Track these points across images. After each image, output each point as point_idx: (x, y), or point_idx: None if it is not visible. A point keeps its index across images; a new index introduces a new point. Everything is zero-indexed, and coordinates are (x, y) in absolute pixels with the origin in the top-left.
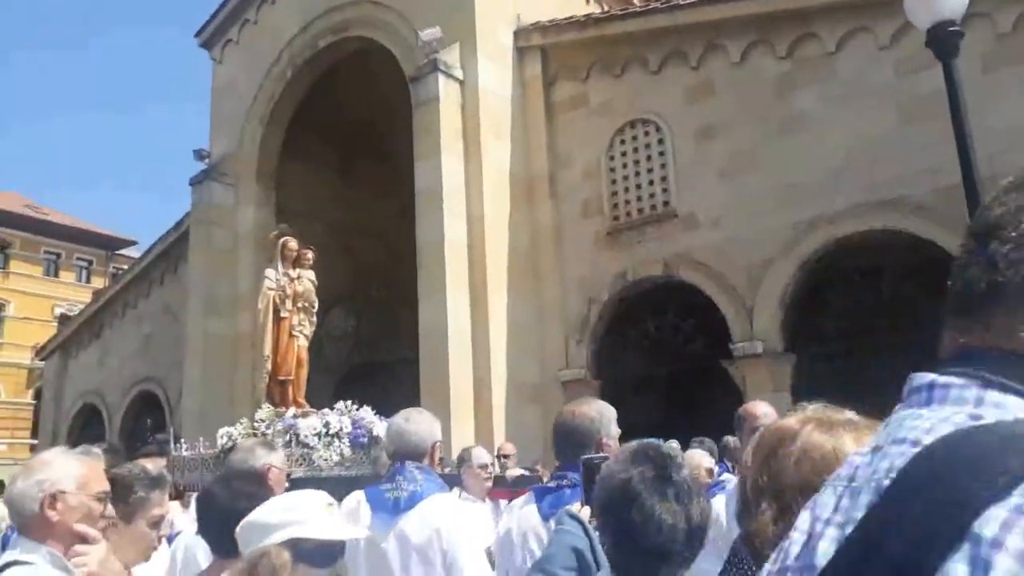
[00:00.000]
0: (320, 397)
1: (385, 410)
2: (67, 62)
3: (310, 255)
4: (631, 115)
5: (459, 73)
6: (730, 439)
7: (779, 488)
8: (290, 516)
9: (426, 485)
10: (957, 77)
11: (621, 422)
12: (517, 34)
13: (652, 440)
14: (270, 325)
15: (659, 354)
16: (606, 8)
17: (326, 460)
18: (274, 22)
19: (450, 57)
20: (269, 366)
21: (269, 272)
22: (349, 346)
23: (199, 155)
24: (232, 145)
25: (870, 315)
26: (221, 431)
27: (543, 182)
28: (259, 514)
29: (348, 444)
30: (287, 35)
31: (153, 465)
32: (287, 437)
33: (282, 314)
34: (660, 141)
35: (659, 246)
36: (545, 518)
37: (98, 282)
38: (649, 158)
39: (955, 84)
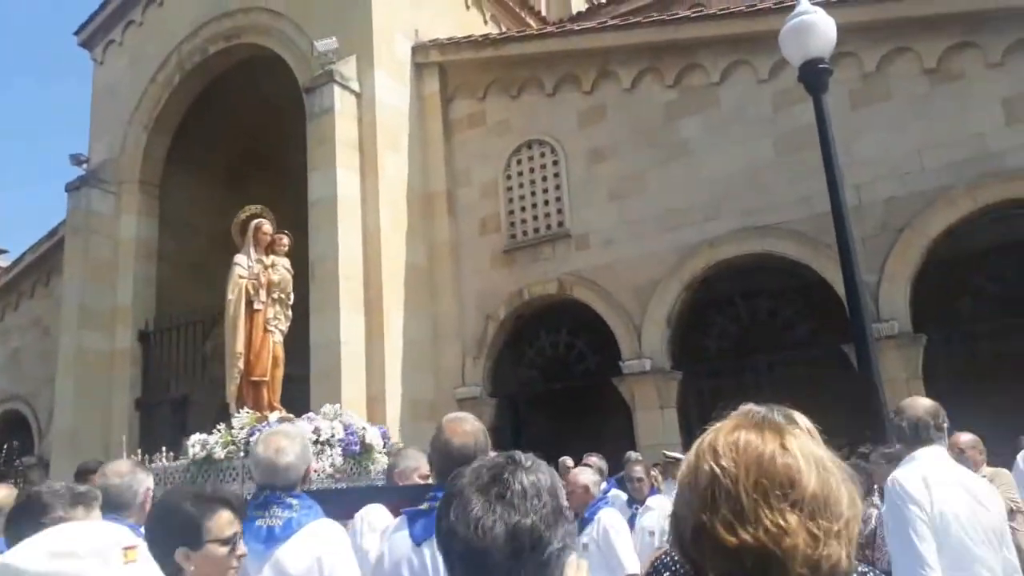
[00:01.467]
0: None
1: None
2: None
3: (285, 240)
4: (527, 135)
5: (355, 85)
6: (632, 454)
7: (796, 499)
8: (60, 567)
9: (302, 512)
10: (826, 111)
11: (517, 437)
12: (415, 50)
13: (513, 452)
14: (242, 318)
15: (553, 371)
16: (504, 29)
17: (317, 472)
18: (162, 25)
19: (346, 69)
20: (241, 365)
21: (239, 258)
22: None
23: (76, 160)
24: (114, 151)
25: (750, 334)
26: (194, 439)
27: (441, 198)
28: (17, 556)
29: (340, 453)
30: (175, 39)
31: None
32: None
33: (255, 306)
34: (555, 162)
35: (554, 265)
36: (418, 543)
37: None
38: (544, 178)
39: (824, 117)
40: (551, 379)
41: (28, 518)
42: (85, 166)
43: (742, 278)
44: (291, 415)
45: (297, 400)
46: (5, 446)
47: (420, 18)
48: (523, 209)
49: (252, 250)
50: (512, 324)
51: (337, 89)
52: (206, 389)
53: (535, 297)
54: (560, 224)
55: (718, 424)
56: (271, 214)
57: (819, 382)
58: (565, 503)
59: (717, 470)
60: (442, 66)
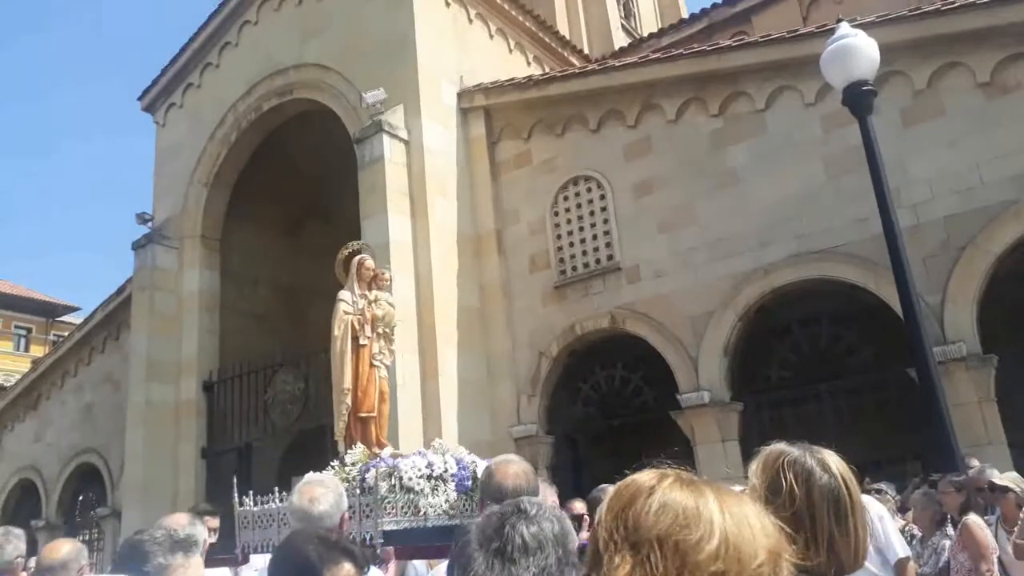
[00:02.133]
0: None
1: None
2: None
3: (388, 275)
4: (573, 172)
5: (404, 133)
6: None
7: (636, 541)
8: None
9: None
10: (872, 132)
11: (576, 476)
12: (460, 95)
13: (521, 500)
14: (349, 354)
15: (610, 406)
16: (547, 69)
17: (433, 507)
18: (218, 85)
19: (394, 118)
20: (349, 401)
21: (344, 294)
22: (298, 410)
23: (141, 219)
24: (176, 208)
25: (810, 362)
26: (307, 476)
27: (491, 238)
28: None
29: (454, 488)
30: (231, 98)
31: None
32: (391, 481)
33: (361, 341)
34: (602, 197)
35: (605, 299)
36: None
37: (37, 351)
38: (592, 213)
39: (871, 139)
40: (608, 415)
41: (132, 565)
42: (150, 224)
43: (800, 304)
44: (400, 451)
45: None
46: (81, 498)
47: (464, 64)
48: (572, 244)
49: (356, 286)
50: (566, 360)
51: (386, 138)
52: (268, 436)
53: (588, 332)
54: (610, 258)
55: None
56: (372, 251)
57: (887, 408)
58: (574, 550)
59: None
60: (487, 109)
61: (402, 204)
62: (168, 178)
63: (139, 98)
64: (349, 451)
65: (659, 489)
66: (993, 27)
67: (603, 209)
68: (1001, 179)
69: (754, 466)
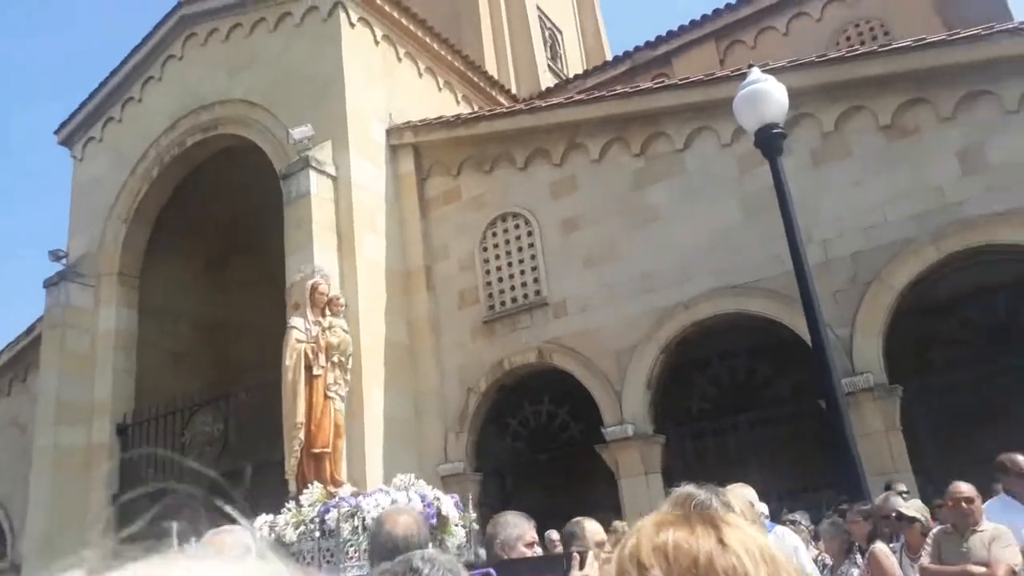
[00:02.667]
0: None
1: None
2: None
3: (343, 301)
4: (502, 209)
5: (331, 169)
6: (617, 524)
7: None
8: None
9: None
10: (783, 173)
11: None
12: (389, 132)
13: (413, 557)
14: (302, 385)
15: (538, 441)
16: (475, 108)
17: None
18: (140, 120)
19: (322, 154)
20: (302, 436)
21: (296, 321)
22: (216, 452)
23: (55, 256)
24: (93, 244)
25: (730, 394)
26: (260, 520)
27: (420, 274)
28: None
29: None
30: (154, 133)
31: None
32: (354, 522)
33: (315, 371)
34: (529, 233)
35: (533, 334)
36: None
37: None
38: (520, 249)
39: (781, 179)
40: (536, 449)
41: None
42: (64, 261)
43: (719, 338)
44: (359, 489)
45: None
46: None
47: (393, 101)
48: (500, 280)
49: (309, 312)
50: (494, 395)
51: (312, 174)
52: (186, 481)
53: (516, 367)
54: (537, 293)
55: (640, 522)
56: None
57: (802, 439)
58: None
59: None
60: (416, 146)
61: (329, 239)
62: (85, 214)
63: (56, 131)
64: (305, 490)
65: (730, 536)
66: (893, 73)
67: (531, 245)
68: (902, 218)
69: (665, 508)
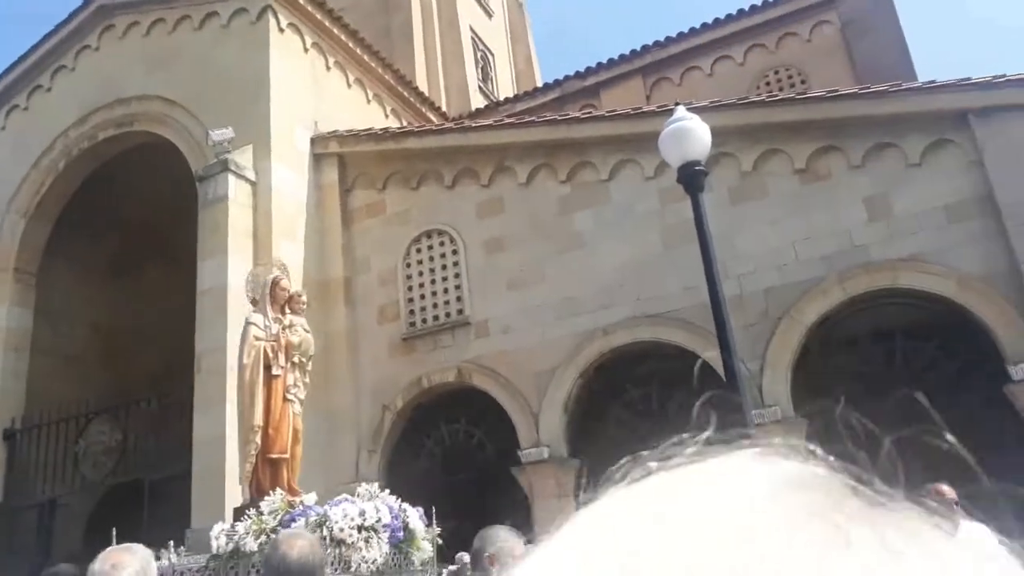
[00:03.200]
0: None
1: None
2: None
3: (304, 298)
4: (427, 225)
5: (251, 174)
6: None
7: None
8: None
9: None
10: (703, 209)
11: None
12: (314, 141)
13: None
14: (260, 386)
15: (453, 462)
16: (404, 123)
17: (367, 562)
18: (48, 110)
19: (242, 158)
20: (259, 440)
21: (255, 317)
22: (112, 463)
23: None
24: None
25: (644, 420)
26: (216, 529)
27: (339, 286)
28: None
29: (387, 540)
30: (62, 125)
31: None
32: (322, 532)
33: (274, 371)
34: (454, 251)
35: (453, 353)
36: None
37: None
38: (444, 267)
39: (701, 215)
40: (451, 471)
41: None
42: None
43: (636, 365)
44: (314, 498)
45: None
46: None
47: (320, 110)
48: (423, 297)
49: (268, 308)
50: (410, 414)
51: (231, 177)
52: (76, 491)
53: (435, 385)
54: (460, 312)
55: None
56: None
57: None
58: None
59: None
60: (341, 157)
61: (245, 245)
62: None
63: None
64: (267, 498)
65: None
66: (809, 120)
67: (455, 264)
68: (812, 258)
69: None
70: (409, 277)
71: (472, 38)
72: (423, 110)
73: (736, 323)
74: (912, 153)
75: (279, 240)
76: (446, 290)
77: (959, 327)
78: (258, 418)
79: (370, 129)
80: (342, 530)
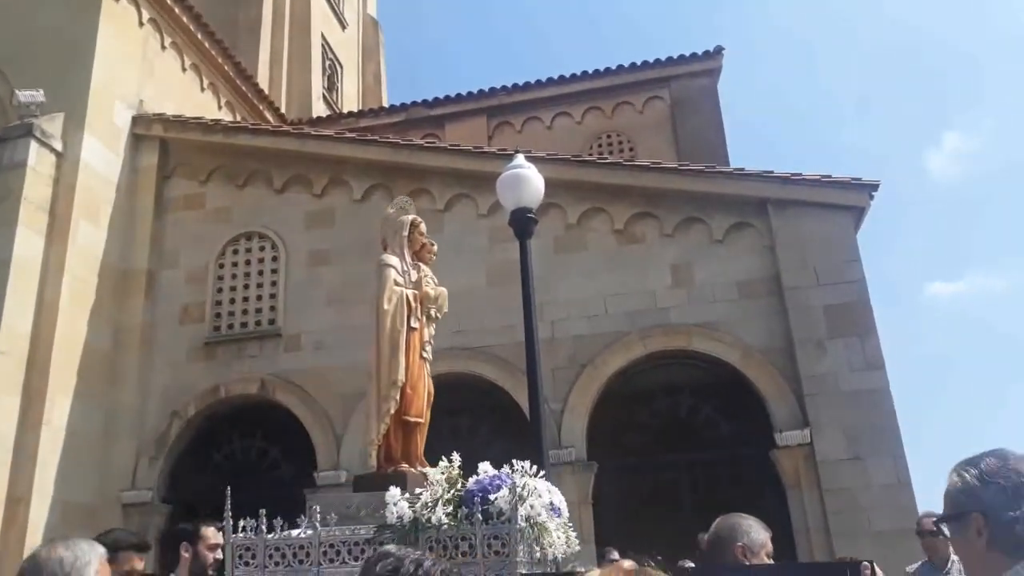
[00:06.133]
0: None
1: None
2: None
3: (435, 248)
4: (249, 227)
5: (58, 144)
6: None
7: None
8: None
9: None
10: (529, 254)
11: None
12: (136, 120)
13: None
14: (404, 336)
15: (242, 478)
16: (239, 117)
17: (553, 547)
18: None
19: (51, 126)
20: (398, 397)
21: (391, 259)
22: None
23: None
24: None
25: (449, 452)
26: (394, 493)
27: (140, 278)
28: None
29: (560, 523)
30: None
31: None
32: (525, 508)
33: (412, 323)
34: (275, 259)
35: (259, 364)
36: None
37: None
38: (261, 273)
39: (527, 259)
40: (238, 488)
41: None
42: None
43: (448, 396)
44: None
45: None
46: None
47: (147, 88)
48: (232, 301)
49: (406, 253)
50: (202, 424)
51: (34, 144)
52: None
53: (233, 396)
54: (272, 322)
55: None
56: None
57: None
58: None
59: None
60: (164, 142)
61: (38, 220)
62: None
63: None
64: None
65: None
66: (632, 186)
67: (274, 271)
68: (619, 312)
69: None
70: (221, 278)
71: (323, 45)
72: (261, 108)
73: (545, 365)
74: (717, 230)
75: (79, 218)
76: (259, 297)
77: (740, 391)
78: (402, 373)
79: (200, 118)
80: (539, 513)
